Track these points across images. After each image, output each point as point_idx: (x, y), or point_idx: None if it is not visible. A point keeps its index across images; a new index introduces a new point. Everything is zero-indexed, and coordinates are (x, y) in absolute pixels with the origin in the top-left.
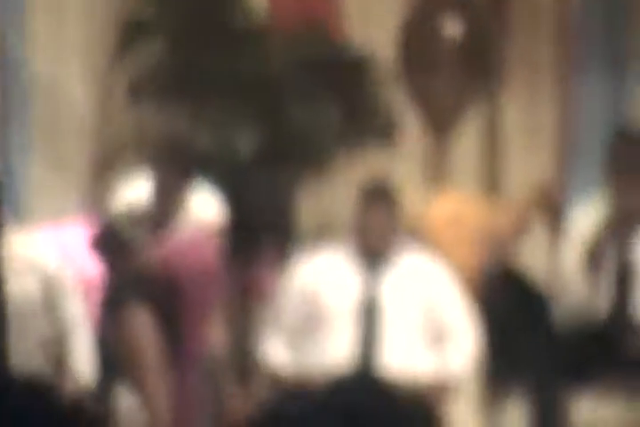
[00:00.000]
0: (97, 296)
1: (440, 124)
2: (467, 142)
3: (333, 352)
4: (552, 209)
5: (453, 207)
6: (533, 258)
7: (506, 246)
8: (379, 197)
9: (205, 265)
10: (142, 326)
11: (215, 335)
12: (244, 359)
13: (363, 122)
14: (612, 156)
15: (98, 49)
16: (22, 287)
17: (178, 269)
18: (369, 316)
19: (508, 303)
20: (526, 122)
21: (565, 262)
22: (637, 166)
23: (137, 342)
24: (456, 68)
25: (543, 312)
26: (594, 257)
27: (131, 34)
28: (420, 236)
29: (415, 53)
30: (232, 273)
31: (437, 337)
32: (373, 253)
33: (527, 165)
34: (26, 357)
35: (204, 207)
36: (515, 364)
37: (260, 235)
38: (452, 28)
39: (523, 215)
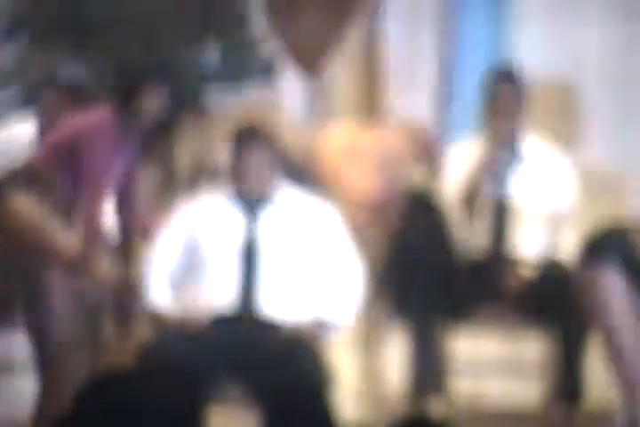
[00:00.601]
0: None
1: (311, 63)
2: (346, 79)
3: (215, 294)
4: (428, 147)
5: (346, 137)
6: None
7: (404, 171)
8: (253, 136)
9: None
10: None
11: (99, 272)
12: (125, 298)
13: (241, 62)
14: (489, 94)
15: None
16: None
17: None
18: (249, 258)
19: (411, 230)
20: (406, 58)
21: (442, 201)
22: (513, 105)
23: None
24: (323, 6)
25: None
26: (471, 194)
27: None
28: (317, 169)
29: None
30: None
31: (318, 278)
32: (252, 195)
33: (407, 102)
34: None
35: None
36: (398, 300)
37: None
38: None
39: (415, 140)
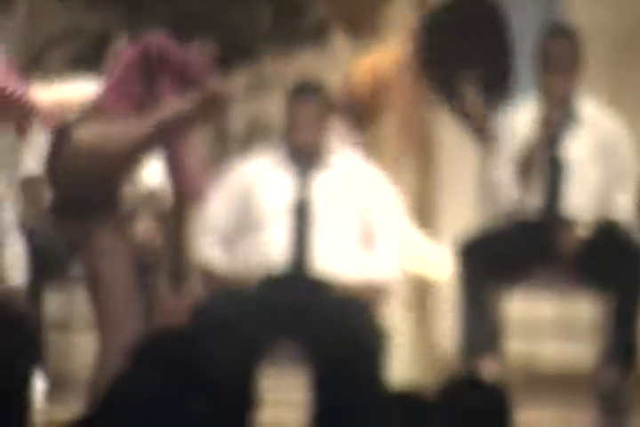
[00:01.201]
0: None
1: (359, 27)
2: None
3: (266, 253)
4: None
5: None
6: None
7: None
8: (307, 95)
9: None
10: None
11: (148, 232)
12: (177, 258)
13: (292, 23)
14: (542, 52)
15: None
16: None
17: None
18: (301, 217)
19: None
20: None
21: (498, 165)
22: (567, 61)
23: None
24: None
25: None
26: (526, 156)
27: None
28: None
29: None
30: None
31: (369, 239)
32: (305, 155)
33: None
34: None
35: None
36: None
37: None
38: None
39: None
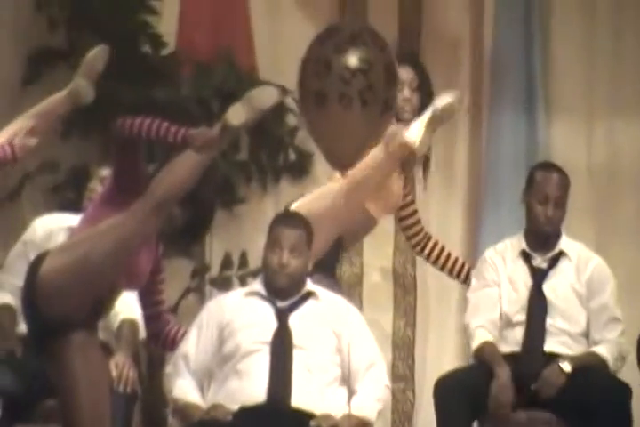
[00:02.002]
0: None
1: (344, 160)
2: None
3: (245, 386)
4: None
5: None
6: None
7: None
8: (289, 223)
9: None
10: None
11: (123, 366)
12: (153, 392)
13: (276, 159)
14: (531, 184)
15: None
16: None
17: None
18: (279, 348)
19: None
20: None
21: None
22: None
23: None
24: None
25: None
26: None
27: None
28: None
29: (310, 90)
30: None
31: (347, 378)
32: (284, 287)
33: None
34: None
35: None
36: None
37: None
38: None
39: None
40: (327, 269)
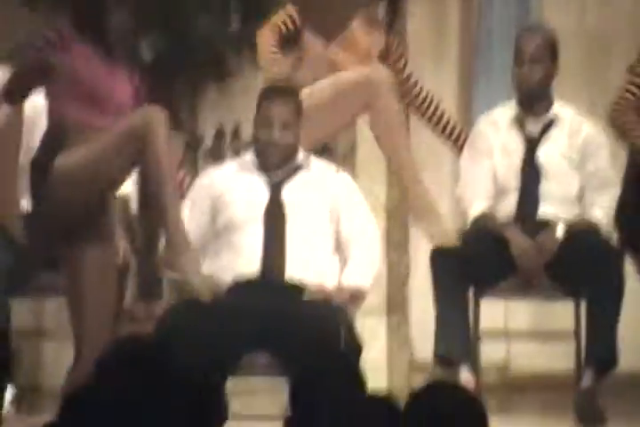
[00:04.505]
0: None
1: (328, 30)
2: None
3: (238, 259)
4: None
5: None
6: None
7: None
8: (278, 97)
9: None
10: None
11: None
12: (147, 266)
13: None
14: (517, 46)
15: None
16: None
17: None
18: (273, 220)
19: None
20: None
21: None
22: (540, 57)
23: None
24: None
25: None
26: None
27: None
28: None
29: None
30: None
31: (342, 243)
32: (276, 159)
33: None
34: None
35: None
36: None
37: None
38: None
39: None
40: None
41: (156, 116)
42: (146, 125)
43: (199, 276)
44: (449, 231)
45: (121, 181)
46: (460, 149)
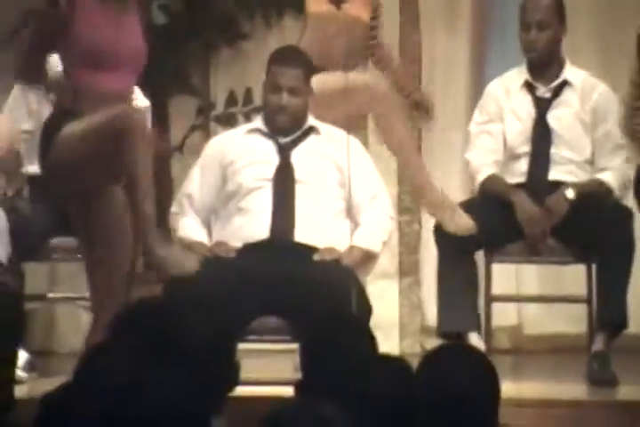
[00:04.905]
0: None
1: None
2: (386, 14)
3: (249, 222)
4: None
5: None
6: None
7: None
8: (288, 60)
9: None
10: None
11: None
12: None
13: None
14: (522, 9)
15: None
16: None
17: None
18: (282, 184)
19: None
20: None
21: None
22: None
23: None
24: None
25: None
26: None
27: None
28: None
29: None
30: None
31: (351, 211)
32: (285, 123)
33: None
34: None
35: None
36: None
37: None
38: None
39: None
40: None
41: (135, 119)
42: (123, 126)
43: (167, 250)
44: (466, 221)
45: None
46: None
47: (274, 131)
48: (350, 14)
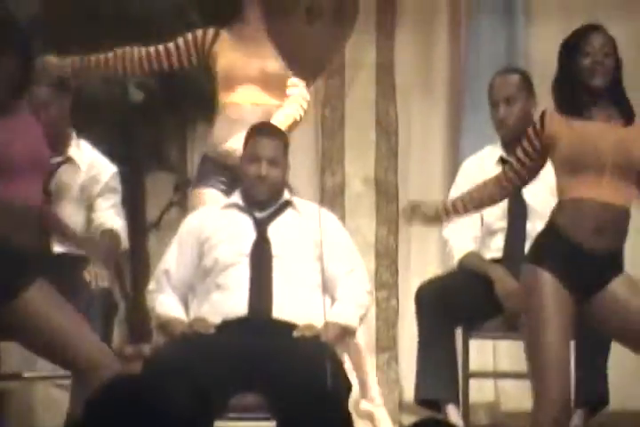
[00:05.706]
0: None
1: (310, 72)
2: (362, 86)
3: (225, 298)
4: None
5: None
6: None
7: None
8: (266, 133)
9: None
10: None
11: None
12: (135, 306)
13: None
14: (490, 88)
15: None
16: None
17: None
18: (259, 259)
19: None
20: (420, 65)
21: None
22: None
23: None
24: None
25: None
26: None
27: None
28: None
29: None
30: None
31: (328, 286)
32: (262, 197)
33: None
34: None
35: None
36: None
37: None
38: None
39: None
40: None
41: None
42: None
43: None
44: None
45: None
46: None
47: (251, 204)
48: None
